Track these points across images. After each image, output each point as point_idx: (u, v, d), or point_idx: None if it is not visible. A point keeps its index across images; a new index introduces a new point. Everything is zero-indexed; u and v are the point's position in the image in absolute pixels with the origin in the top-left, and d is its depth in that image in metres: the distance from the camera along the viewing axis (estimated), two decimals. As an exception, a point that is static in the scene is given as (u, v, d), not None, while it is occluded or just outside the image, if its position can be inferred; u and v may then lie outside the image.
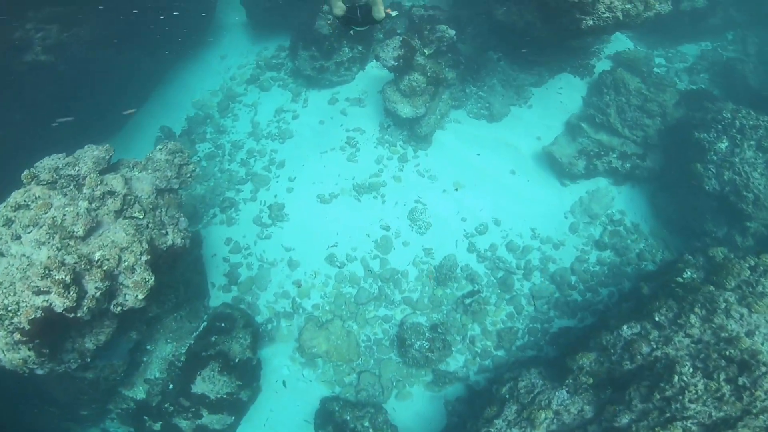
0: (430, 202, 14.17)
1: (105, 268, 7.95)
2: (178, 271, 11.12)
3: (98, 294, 7.83)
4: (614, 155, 14.49)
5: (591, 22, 12.19)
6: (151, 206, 9.36)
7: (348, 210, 14.07)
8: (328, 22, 14.76)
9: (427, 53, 14.39)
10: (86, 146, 9.44)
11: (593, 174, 14.61)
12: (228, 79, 16.74)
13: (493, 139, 15.34)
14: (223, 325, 11.81)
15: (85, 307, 7.74)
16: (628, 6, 12.35)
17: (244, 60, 17.22)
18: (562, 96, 16.01)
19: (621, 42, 17.41)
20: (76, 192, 8.73)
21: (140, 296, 8.21)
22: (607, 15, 12.17)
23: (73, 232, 8.13)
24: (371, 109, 15.59)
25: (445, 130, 15.47)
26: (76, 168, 8.98)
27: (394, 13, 10.15)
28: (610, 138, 14.73)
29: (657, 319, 8.90)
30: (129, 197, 9.02)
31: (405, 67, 13.82)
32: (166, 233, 9.42)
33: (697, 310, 8.62)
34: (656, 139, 14.53)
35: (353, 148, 14.98)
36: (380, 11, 9.25)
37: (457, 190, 14.44)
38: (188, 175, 10.53)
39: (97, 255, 8.04)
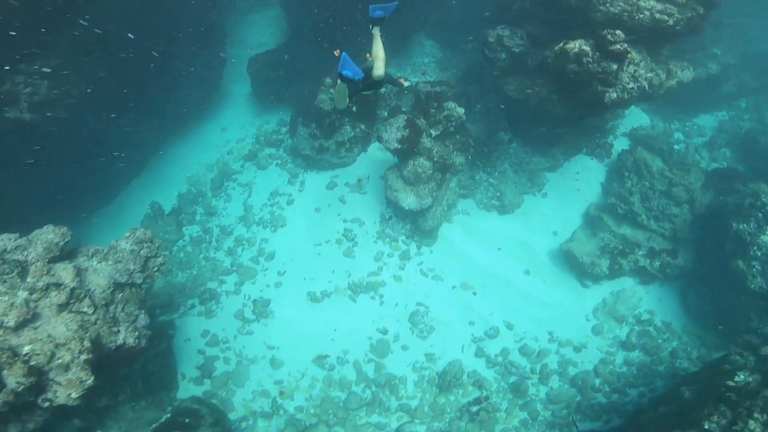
0: (434, 305, 12.77)
1: (33, 363, 7.34)
2: (137, 365, 10.39)
3: (20, 389, 7.16)
4: (641, 253, 13.17)
5: (615, 95, 11.27)
6: (104, 301, 8.49)
7: (341, 311, 12.61)
8: (331, 95, 13.69)
9: (433, 134, 13.19)
10: (45, 227, 8.68)
11: (618, 274, 13.20)
12: (225, 153, 15.66)
13: (505, 234, 13.98)
14: (187, 420, 10.41)
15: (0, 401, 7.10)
16: (650, 75, 11.57)
17: (244, 133, 16.16)
18: (579, 182, 14.77)
19: (636, 116, 16.36)
20: (18, 280, 7.95)
21: (74, 395, 7.49)
22: (632, 86, 11.32)
23: (2, 322, 7.46)
24: (372, 196, 14.31)
25: (452, 223, 14.11)
26: (25, 253, 8.29)
27: (406, 83, 9.74)
28: (634, 232, 13.44)
29: (707, 426, 8.18)
30: (78, 291, 8.17)
31: (409, 150, 12.61)
32: (118, 331, 8.52)
33: (756, 415, 7.91)
34: (686, 231, 13.27)
35: (350, 241, 13.62)
36: (379, 68, 8.44)
37: (474, 294, 13.02)
38: (155, 269, 9.65)
39: (26, 349, 7.41)
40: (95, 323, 8.11)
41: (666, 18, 11.37)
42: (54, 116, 11.43)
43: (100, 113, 12.48)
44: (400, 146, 12.41)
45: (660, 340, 12.53)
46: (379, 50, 8.43)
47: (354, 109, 14.07)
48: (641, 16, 11.35)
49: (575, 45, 11.13)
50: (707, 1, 11.73)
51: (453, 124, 13.31)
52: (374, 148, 15.05)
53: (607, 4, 11.48)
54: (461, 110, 13.26)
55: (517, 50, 13.03)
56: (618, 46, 10.92)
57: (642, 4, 11.41)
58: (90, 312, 8.09)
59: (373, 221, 13.93)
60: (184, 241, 13.92)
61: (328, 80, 13.84)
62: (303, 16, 15.46)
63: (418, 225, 13.46)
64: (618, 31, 10.96)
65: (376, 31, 8.39)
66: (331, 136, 14.35)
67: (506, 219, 14.23)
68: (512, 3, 13.32)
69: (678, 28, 11.52)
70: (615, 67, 11.06)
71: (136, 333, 8.67)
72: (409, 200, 12.87)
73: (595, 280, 13.19)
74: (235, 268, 13.20)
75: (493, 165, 14.59)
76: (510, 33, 13.10)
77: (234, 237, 13.82)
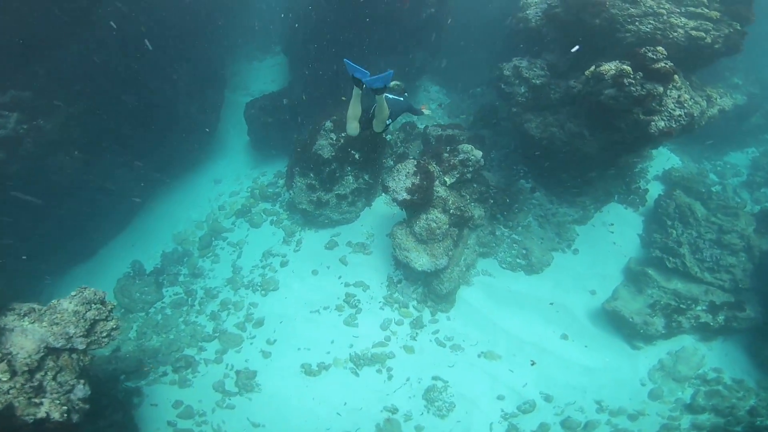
0: (454, 378, 10.60)
1: None
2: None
3: None
4: (700, 308, 11.11)
5: (662, 124, 9.63)
6: (27, 367, 6.74)
7: (342, 386, 10.43)
8: (331, 141, 12.06)
9: (448, 182, 11.38)
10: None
11: (676, 332, 11.14)
12: (217, 209, 14.02)
13: (535, 296, 11.93)
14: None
15: None
16: (691, 102, 10.05)
17: (239, 186, 14.57)
18: (614, 234, 12.90)
19: (664, 157, 14.94)
20: None
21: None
22: (679, 113, 9.79)
23: None
24: (378, 257, 12.37)
25: (471, 285, 12.07)
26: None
27: (427, 111, 8.93)
28: (687, 286, 11.42)
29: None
30: (-7, 353, 6.45)
31: (421, 201, 10.70)
32: (40, 403, 6.72)
33: None
34: (748, 281, 11.32)
35: (353, 308, 11.56)
36: (379, 124, 7.84)
37: (533, 364, 10.84)
38: (104, 335, 7.80)
39: None
40: (8, 392, 6.36)
41: (702, 35, 10.08)
42: (20, 154, 10.05)
43: (72, 155, 11.08)
44: (410, 197, 10.52)
45: (734, 399, 10.51)
46: (382, 111, 7.70)
47: (357, 156, 12.39)
48: (675, 34, 10.08)
49: (611, 66, 9.60)
50: (741, 17, 10.49)
51: (470, 169, 11.50)
52: (380, 202, 13.33)
53: (637, 23, 10.24)
54: (479, 153, 11.51)
55: (537, 82, 11.47)
56: (663, 64, 9.32)
57: (674, 20, 10.20)
58: (4, 378, 6.39)
59: (379, 284, 11.92)
60: (163, 302, 12.14)
61: (328, 124, 12.23)
62: (304, 61, 14.33)
63: (432, 288, 11.38)
64: (660, 48, 9.41)
65: (381, 99, 7.55)
66: (331, 188, 12.56)
67: (535, 279, 12.22)
68: (527, 31, 11.88)
69: (717, 46, 10.23)
70: (661, 89, 9.40)
71: (65, 407, 6.75)
72: (421, 260, 10.84)
73: (647, 341, 11.16)
74: (217, 335, 11.21)
75: (515, 218, 12.67)
76: (528, 64, 11.61)
77: (219, 300, 11.91)
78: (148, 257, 13.04)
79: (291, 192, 12.85)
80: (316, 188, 12.50)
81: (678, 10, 10.54)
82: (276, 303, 11.71)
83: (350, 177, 12.63)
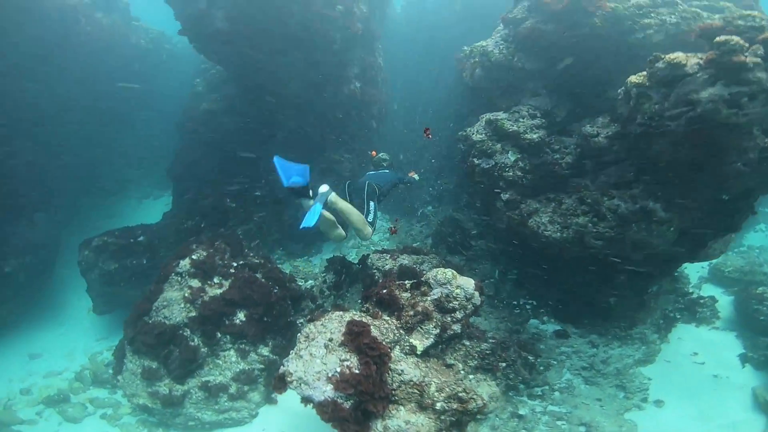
0: None
1: None
2: None
3: None
4: None
5: None
6: None
7: None
8: (188, 293, 6.20)
9: (420, 348, 5.02)
10: None
11: None
12: (17, 393, 8.15)
13: None
14: None
15: None
16: None
17: (66, 364, 8.92)
18: (706, 364, 7.48)
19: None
20: None
21: None
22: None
23: None
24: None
25: None
26: None
27: (416, 176, 6.83)
28: None
29: None
30: None
31: (367, 398, 4.28)
32: None
33: None
34: None
35: None
36: (360, 231, 5.78)
37: None
38: None
39: None
40: None
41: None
42: None
43: None
44: (338, 395, 4.20)
45: None
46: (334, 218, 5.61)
47: (242, 316, 6.19)
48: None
49: (689, 56, 4.57)
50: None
51: (457, 316, 5.20)
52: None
53: (652, 15, 5.73)
54: (468, 283, 5.31)
55: (534, 136, 6.02)
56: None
57: (697, 10, 5.88)
58: None
59: None
60: None
61: (184, 264, 6.14)
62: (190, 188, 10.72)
63: None
64: (754, 12, 4.76)
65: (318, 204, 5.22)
66: (187, 372, 6.19)
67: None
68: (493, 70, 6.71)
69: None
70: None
71: None
72: None
73: None
74: None
75: (542, 380, 6.69)
76: (510, 114, 6.06)
77: None
78: None
79: (119, 379, 6.48)
80: (159, 374, 6.17)
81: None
82: None
83: (231, 352, 6.14)
